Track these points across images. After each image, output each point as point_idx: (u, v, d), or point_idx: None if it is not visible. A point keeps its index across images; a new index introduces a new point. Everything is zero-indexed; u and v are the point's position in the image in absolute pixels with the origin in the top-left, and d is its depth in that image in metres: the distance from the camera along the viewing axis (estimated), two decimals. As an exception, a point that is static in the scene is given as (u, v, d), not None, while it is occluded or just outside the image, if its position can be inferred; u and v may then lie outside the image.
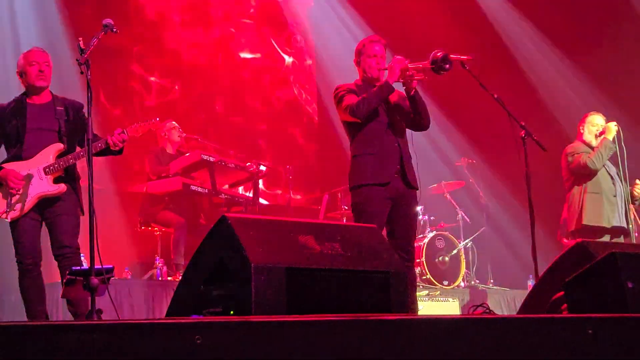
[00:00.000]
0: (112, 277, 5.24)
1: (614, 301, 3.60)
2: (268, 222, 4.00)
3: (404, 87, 5.87)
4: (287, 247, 3.81)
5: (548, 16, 10.96)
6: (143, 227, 8.91)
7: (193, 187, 8.53)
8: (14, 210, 5.69)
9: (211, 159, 8.50)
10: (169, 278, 8.15)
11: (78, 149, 5.85)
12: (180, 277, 6.46)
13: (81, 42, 5.34)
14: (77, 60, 5.17)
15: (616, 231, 7.97)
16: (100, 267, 4.87)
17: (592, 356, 2.96)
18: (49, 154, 5.76)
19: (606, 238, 7.86)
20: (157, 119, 6.25)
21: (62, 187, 5.75)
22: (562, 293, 4.04)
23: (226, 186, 9.27)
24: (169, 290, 7.45)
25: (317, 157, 12.52)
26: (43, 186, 5.72)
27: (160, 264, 8.24)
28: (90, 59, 5.14)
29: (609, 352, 2.98)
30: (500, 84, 8.26)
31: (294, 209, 10.02)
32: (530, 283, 8.81)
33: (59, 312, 6.76)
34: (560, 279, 4.10)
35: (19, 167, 5.73)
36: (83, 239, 5.60)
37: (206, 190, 8.62)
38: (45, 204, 5.74)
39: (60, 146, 5.79)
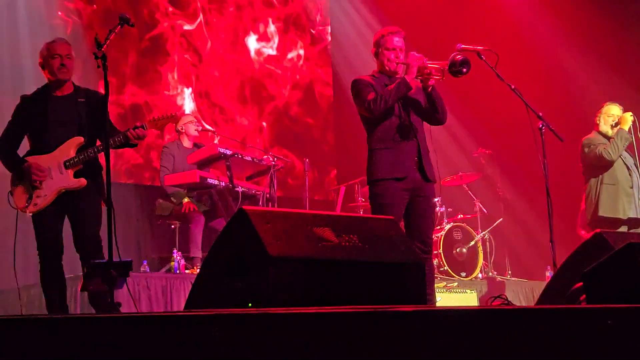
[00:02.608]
0: (131, 270, 5.26)
1: (632, 291, 3.59)
2: (285, 214, 4.00)
3: (421, 84, 5.86)
4: (305, 240, 3.81)
5: (565, 4, 10.89)
6: (160, 221, 8.94)
7: (210, 180, 8.54)
8: (35, 204, 5.72)
9: (228, 152, 8.49)
10: (187, 271, 8.16)
11: (98, 142, 5.86)
12: (198, 271, 6.48)
13: (98, 36, 5.35)
14: (94, 53, 5.18)
15: (633, 222, 7.93)
16: (119, 260, 4.89)
17: (611, 347, 2.95)
18: (69, 147, 5.78)
19: (623, 229, 7.83)
20: (176, 113, 6.26)
21: (82, 181, 5.76)
22: (580, 284, 4.03)
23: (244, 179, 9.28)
24: (186, 283, 7.46)
25: (334, 149, 12.50)
26: (63, 180, 5.74)
27: (178, 257, 8.26)
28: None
29: (628, 343, 2.97)
30: (518, 74, 8.23)
31: (311, 201, 10.01)
32: (549, 274, 8.78)
33: (77, 305, 6.79)
34: (578, 270, 4.09)
35: (40, 161, 5.76)
36: (102, 233, 5.63)
37: (223, 184, 8.63)
38: (66, 197, 5.76)
39: (80, 139, 5.81)
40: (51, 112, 5.82)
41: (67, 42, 6.01)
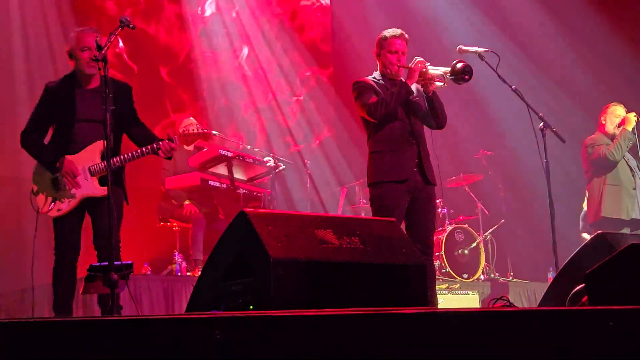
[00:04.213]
0: (132, 272, 5.25)
1: (635, 293, 3.58)
2: (286, 216, 3.99)
3: (422, 88, 5.85)
4: (306, 241, 3.80)
5: (566, 4, 10.88)
6: (162, 223, 8.94)
7: (211, 182, 8.55)
8: (58, 209, 5.58)
9: (229, 153, 8.50)
10: (188, 273, 8.17)
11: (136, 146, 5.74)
12: (199, 273, 6.48)
13: (98, 39, 5.31)
14: (94, 57, 5.15)
15: (636, 224, 7.92)
16: (120, 263, 4.88)
17: (613, 349, 2.94)
18: (95, 152, 5.63)
19: (626, 231, 7.82)
20: (208, 130, 6.12)
21: (107, 190, 5.60)
22: (582, 285, 4.02)
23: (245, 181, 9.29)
24: (188, 285, 7.46)
25: (335, 150, 12.50)
26: (89, 188, 5.60)
27: (179, 260, 8.26)
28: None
29: (629, 345, 2.96)
30: (519, 75, 8.23)
31: (312, 203, 10.01)
32: (551, 275, 8.77)
33: (79, 306, 6.77)
34: (580, 271, 4.07)
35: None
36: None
37: (224, 185, 8.63)
38: (89, 200, 5.63)
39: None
40: (78, 109, 5.63)
41: (97, 32, 5.72)
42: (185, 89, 11.15)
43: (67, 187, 5.61)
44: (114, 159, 5.61)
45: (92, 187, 5.62)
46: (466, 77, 5.75)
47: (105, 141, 5.59)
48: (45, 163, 5.67)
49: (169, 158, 5.87)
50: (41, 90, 5.87)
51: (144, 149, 5.67)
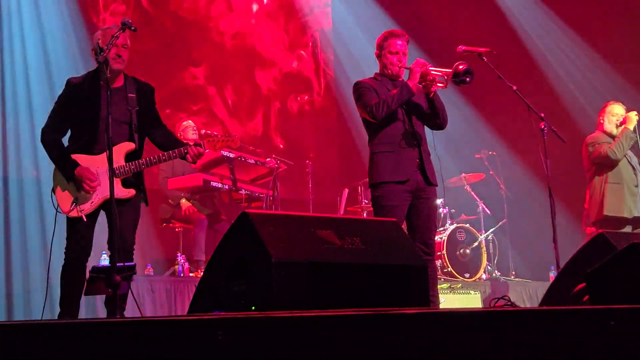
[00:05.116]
0: (134, 274, 5.24)
1: (636, 292, 3.58)
2: (288, 217, 4.00)
3: (424, 89, 5.85)
4: (308, 242, 3.81)
5: (568, 4, 10.89)
6: (164, 224, 8.95)
7: (213, 184, 8.56)
8: (81, 210, 5.44)
9: (231, 155, 8.51)
10: (191, 274, 8.18)
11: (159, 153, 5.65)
12: (201, 274, 6.49)
13: (100, 41, 5.30)
14: (96, 59, 5.13)
15: (638, 222, 7.91)
16: (123, 264, 4.87)
17: (614, 348, 2.95)
18: (119, 153, 5.47)
19: (628, 229, 7.81)
20: (235, 136, 6.05)
21: (132, 192, 5.54)
22: (584, 284, 4.02)
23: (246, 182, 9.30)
24: (190, 286, 7.47)
25: (337, 151, 12.51)
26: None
27: (182, 261, 8.27)
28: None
29: (631, 344, 2.97)
30: (519, 75, 8.23)
31: (314, 204, 10.02)
32: (552, 275, 8.77)
33: (80, 309, 6.77)
34: (582, 271, 4.08)
35: (88, 163, 5.48)
36: (103, 235, 5.59)
37: (226, 187, 8.65)
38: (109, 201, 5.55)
39: (131, 146, 5.54)
40: (103, 108, 5.40)
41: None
42: (199, 46, 11.22)
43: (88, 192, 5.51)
44: (139, 161, 5.54)
45: (115, 189, 5.39)
46: (467, 79, 5.75)
47: (134, 143, 5.54)
48: (62, 172, 5.53)
49: (194, 162, 5.81)
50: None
51: (171, 152, 5.58)
